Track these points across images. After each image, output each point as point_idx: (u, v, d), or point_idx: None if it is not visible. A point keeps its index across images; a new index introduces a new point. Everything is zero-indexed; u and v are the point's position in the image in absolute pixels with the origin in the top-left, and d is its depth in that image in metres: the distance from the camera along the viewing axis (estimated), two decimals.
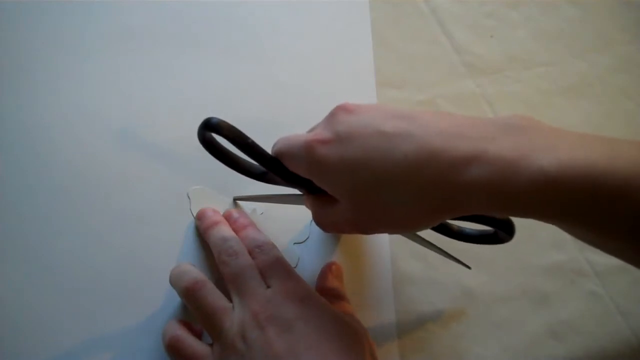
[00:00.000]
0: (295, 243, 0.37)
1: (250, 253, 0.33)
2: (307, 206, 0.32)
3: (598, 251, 0.38)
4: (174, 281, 0.33)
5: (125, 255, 0.35)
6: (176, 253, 0.35)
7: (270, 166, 0.29)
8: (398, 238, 0.38)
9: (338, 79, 0.42)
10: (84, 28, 0.40)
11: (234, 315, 0.30)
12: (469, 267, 0.36)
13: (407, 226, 0.27)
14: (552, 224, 0.24)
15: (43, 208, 0.35)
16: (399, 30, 0.44)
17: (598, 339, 0.36)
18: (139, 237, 0.35)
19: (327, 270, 0.36)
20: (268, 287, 0.31)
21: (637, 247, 0.24)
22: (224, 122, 0.28)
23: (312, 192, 0.30)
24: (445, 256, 0.36)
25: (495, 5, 0.46)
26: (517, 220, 0.39)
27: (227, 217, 0.36)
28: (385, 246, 0.38)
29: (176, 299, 0.34)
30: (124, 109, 0.38)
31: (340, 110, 0.28)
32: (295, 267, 0.36)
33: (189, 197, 0.37)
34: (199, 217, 0.36)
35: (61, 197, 0.36)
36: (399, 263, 0.37)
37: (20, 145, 0.36)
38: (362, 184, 0.26)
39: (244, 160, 0.31)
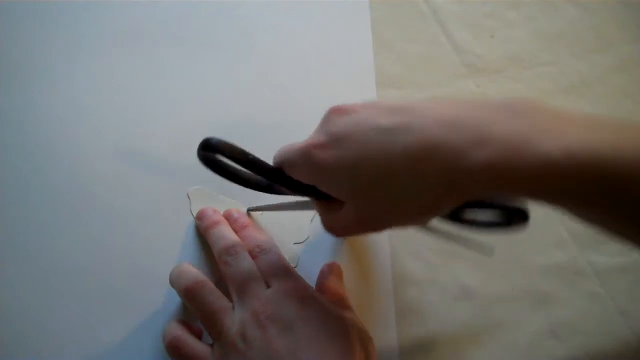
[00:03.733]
0: (295, 243, 0.37)
1: (250, 253, 0.33)
2: (316, 211, 0.32)
3: (598, 251, 0.39)
4: (174, 281, 0.33)
5: (125, 255, 0.35)
6: (176, 253, 0.35)
7: (274, 178, 0.29)
8: (398, 238, 0.38)
9: (338, 79, 0.42)
10: (82, 28, 0.40)
11: (234, 315, 0.30)
12: (491, 253, 0.35)
13: (414, 218, 0.26)
14: (556, 207, 0.24)
15: (42, 209, 0.35)
16: (399, 30, 0.44)
17: (598, 339, 0.36)
18: (139, 237, 0.35)
19: (327, 270, 0.36)
20: (268, 287, 0.31)
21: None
22: (223, 141, 0.28)
23: (319, 197, 0.30)
24: (463, 244, 0.34)
25: (495, 5, 0.46)
26: None
27: (227, 217, 0.36)
28: (385, 246, 0.38)
29: (176, 299, 0.34)
30: (123, 109, 0.38)
31: (334, 112, 0.27)
32: (295, 267, 0.36)
33: (189, 197, 0.37)
34: (199, 217, 0.36)
35: (61, 197, 0.36)
36: (399, 263, 0.37)
37: (19, 146, 0.36)
38: (364, 182, 0.25)
39: (249, 174, 0.31)
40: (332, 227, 0.30)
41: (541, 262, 0.38)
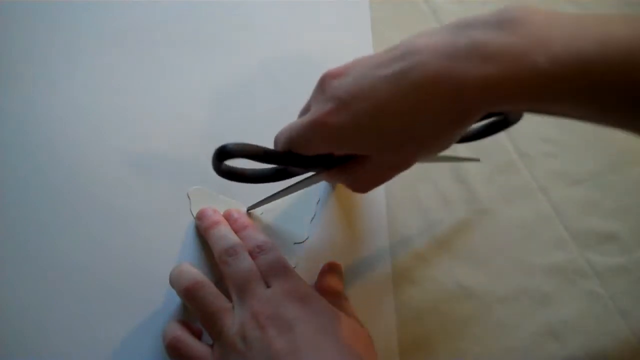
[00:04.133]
0: (295, 243, 0.37)
1: (250, 253, 0.33)
2: (329, 181, 0.34)
3: (598, 251, 0.39)
4: (173, 281, 0.33)
5: (125, 255, 0.35)
6: (176, 253, 0.35)
7: (287, 161, 0.30)
8: (398, 238, 0.38)
9: None
10: (82, 28, 0.40)
11: (234, 315, 0.30)
12: (478, 160, 0.38)
13: (439, 146, 0.28)
14: (554, 112, 0.25)
15: (42, 208, 0.35)
16: (399, 30, 0.44)
17: (598, 339, 0.36)
18: (139, 237, 0.35)
19: (327, 269, 0.36)
20: (268, 287, 0.31)
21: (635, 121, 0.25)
22: (236, 144, 0.28)
23: (333, 166, 0.31)
24: (453, 161, 0.37)
25: (495, 5, 0.45)
26: (516, 221, 0.39)
27: (227, 217, 0.36)
28: (385, 246, 0.38)
29: (176, 299, 0.34)
30: (123, 109, 0.38)
31: (328, 78, 0.28)
32: (295, 267, 0.36)
33: (189, 197, 0.37)
34: (199, 217, 0.36)
35: (61, 197, 0.36)
36: (399, 263, 0.37)
37: (19, 146, 0.36)
38: (387, 131, 0.26)
39: (257, 170, 0.31)
40: (361, 183, 0.31)
41: (541, 262, 0.38)
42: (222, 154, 0.28)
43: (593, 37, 0.23)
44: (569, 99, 0.24)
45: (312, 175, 0.33)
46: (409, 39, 0.26)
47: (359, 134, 0.27)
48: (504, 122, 0.32)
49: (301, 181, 0.33)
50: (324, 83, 0.28)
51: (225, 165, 0.29)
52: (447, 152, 0.32)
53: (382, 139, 0.27)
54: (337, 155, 0.30)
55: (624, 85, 0.23)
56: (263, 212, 0.37)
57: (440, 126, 0.26)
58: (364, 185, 0.31)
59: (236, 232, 0.35)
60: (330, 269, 0.36)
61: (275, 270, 0.32)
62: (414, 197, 0.39)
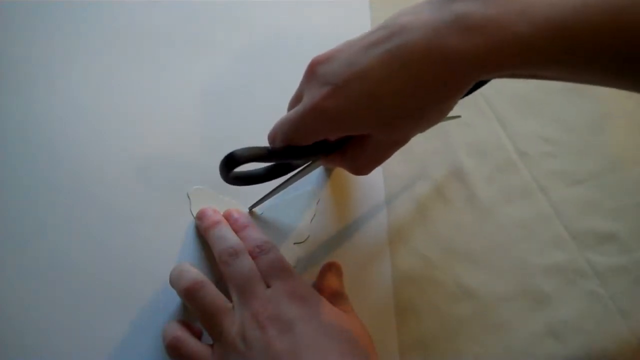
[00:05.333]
0: (295, 243, 0.37)
1: (250, 253, 0.33)
2: (328, 166, 0.35)
3: (598, 251, 0.39)
4: (173, 281, 0.33)
5: (125, 255, 0.35)
6: (176, 253, 0.35)
7: (290, 155, 0.30)
8: (398, 238, 0.38)
9: None
10: (82, 28, 0.40)
11: (234, 315, 0.30)
12: (459, 116, 0.37)
13: (437, 116, 0.28)
14: (540, 77, 0.26)
15: (42, 209, 0.35)
16: None
17: (598, 339, 0.36)
18: (139, 237, 0.35)
19: (326, 269, 0.36)
20: (268, 287, 0.31)
21: (622, 81, 0.26)
22: (242, 150, 0.28)
23: (332, 151, 0.31)
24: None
25: None
26: (516, 220, 0.39)
27: (227, 217, 0.36)
28: (385, 246, 0.38)
29: (176, 299, 0.34)
30: (123, 108, 0.38)
31: (316, 65, 0.29)
32: (295, 267, 0.36)
33: (189, 197, 0.37)
34: (199, 217, 0.36)
35: (60, 197, 0.36)
36: (399, 263, 0.37)
37: (18, 146, 0.36)
38: (383, 108, 0.27)
39: (260, 169, 0.32)
40: (363, 164, 0.32)
41: (541, 262, 0.38)
42: (230, 161, 0.28)
43: (567, 1, 0.24)
44: (554, 63, 0.25)
45: (311, 163, 0.33)
46: (393, 18, 0.27)
47: (357, 115, 0.27)
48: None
49: (300, 171, 0.34)
50: (313, 69, 0.29)
51: (234, 174, 0.30)
52: None
53: (380, 117, 0.27)
54: (335, 139, 0.30)
55: (603, 44, 0.23)
56: (263, 212, 0.38)
57: (435, 99, 0.27)
58: (364, 166, 0.32)
59: (236, 232, 0.35)
60: (330, 268, 0.36)
61: (276, 270, 0.32)
62: (414, 197, 0.39)
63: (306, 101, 0.28)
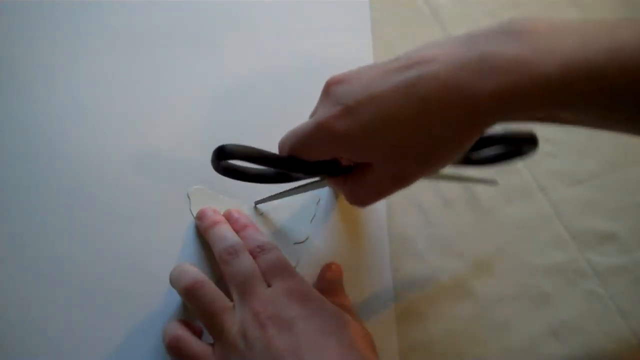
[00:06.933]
0: (295, 243, 0.37)
1: (251, 253, 0.33)
2: (335, 188, 0.34)
3: (598, 251, 0.39)
4: (174, 281, 0.33)
5: (125, 255, 0.35)
6: (176, 253, 0.35)
7: (289, 167, 0.30)
8: (398, 238, 0.38)
9: None
10: (82, 28, 0.40)
11: (234, 315, 0.30)
12: (496, 182, 0.37)
13: (443, 161, 0.27)
14: (562, 122, 0.26)
15: (42, 209, 0.35)
16: (399, 30, 0.44)
17: (598, 339, 0.36)
18: (139, 237, 0.35)
19: (327, 269, 0.36)
20: (269, 286, 0.31)
21: None
22: (236, 145, 0.28)
23: (336, 174, 0.30)
24: (468, 182, 0.36)
25: (495, 5, 0.46)
26: (516, 221, 0.39)
27: (227, 217, 0.36)
28: (385, 246, 0.38)
29: (176, 299, 0.34)
30: (123, 108, 0.38)
31: (332, 84, 0.28)
32: (295, 267, 0.36)
33: (189, 197, 0.37)
34: (199, 217, 0.36)
35: (60, 197, 0.35)
36: (399, 263, 0.37)
37: (18, 146, 0.36)
38: (391, 137, 0.26)
39: (260, 169, 0.31)
40: (362, 194, 0.30)
41: (541, 262, 0.38)
42: (221, 154, 0.28)
43: (600, 43, 0.23)
44: (580, 106, 0.24)
45: (319, 180, 0.33)
46: (417, 50, 0.26)
47: (364, 140, 0.27)
48: (517, 152, 0.33)
49: (308, 184, 0.34)
50: (328, 88, 0.28)
51: (226, 162, 0.29)
52: (459, 172, 0.32)
53: (387, 147, 0.26)
54: (346, 163, 0.29)
55: (634, 90, 0.23)
56: (263, 212, 0.37)
57: (447, 135, 0.25)
58: (363, 197, 0.30)
59: (237, 232, 0.35)
60: (330, 268, 0.36)
61: (276, 270, 0.32)
62: (414, 197, 0.39)
63: (316, 117, 0.28)
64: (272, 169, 0.31)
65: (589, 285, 0.38)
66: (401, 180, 0.28)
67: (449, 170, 0.32)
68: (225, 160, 0.29)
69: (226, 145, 0.28)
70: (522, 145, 0.32)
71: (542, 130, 0.42)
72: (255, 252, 0.33)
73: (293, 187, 0.34)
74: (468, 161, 0.33)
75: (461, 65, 0.24)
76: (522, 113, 0.24)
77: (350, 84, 0.27)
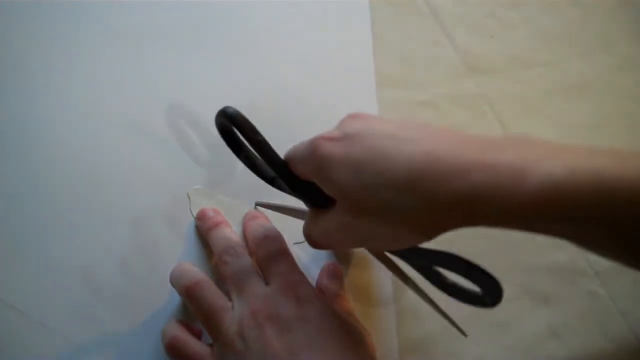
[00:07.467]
0: (295, 243, 0.37)
1: (256, 245, 0.33)
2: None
3: None
4: (174, 281, 0.33)
5: (125, 255, 0.35)
6: (176, 253, 0.35)
7: (277, 169, 0.29)
8: None
9: (338, 79, 0.42)
10: (82, 28, 0.40)
11: (233, 314, 0.30)
12: (464, 335, 0.34)
13: (400, 239, 0.26)
14: (555, 234, 0.24)
15: (42, 209, 0.35)
16: (399, 30, 0.44)
17: (598, 339, 0.36)
18: (139, 237, 0.35)
19: (327, 270, 0.36)
20: (268, 284, 0.31)
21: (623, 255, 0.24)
22: (239, 113, 0.29)
23: (313, 203, 0.30)
24: (442, 316, 0.34)
25: (495, 5, 0.46)
26: None
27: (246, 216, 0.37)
28: None
29: (176, 299, 0.34)
30: (123, 108, 0.38)
31: (350, 116, 0.28)
32: None
33: (189, 197, 0.37)
34: (200, 218, 0.36)
35: (60, 197, 0.36)
36: (399, 263, 0.37)
37: (18, 145, 0.36)
38: (365, 182, 0.25)
39: (259, 160, 0.31)
40: (312, 229, 0.30)
41: (541, 262, 0.38)
42: (223, 114, 0.29)
43: (606, 160, 0.22)
44: (576, 217, 0.22)
45: (304, 211, 0.33)
46: (435, 124, 0.26)
47: (338, 171, 0.26)
48: (479, 300, 0.29)
49: (298, 210, 0.34)
50: (345, 119, 0.28)
51: (227, 124, 0.29)
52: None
53: (355, 183, 0.25)
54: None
55: (610, 219, 0.22)
56: (263, 212, 0.37)
57: (418, 211, 0.24)
58: (313, 232, 0.30)
59: (245, 222, 0.35)
60: (330, 269, 0.36)
61: (278, 264, 0.32)
62: None
63: (318, 135, 0.28)
64: (263, 162, 0.31)
65: (589, 285, 0.38)
66: (349, 231, 0.27)
67: (423, 290, 0.32)
68: (225, 121, 0.29)
69: (229, 107, 0.29)
70: (485, 295, 0.29)
71: (542, 131, 0.42)
72: (261, 243, 0.33)
73: (295, 208, 0.34)
74: (440, 282, 0.31)
75: (459, 147, 0.24)
76: (510, 219, 0.23)
77: (363, 121, 0.27)
